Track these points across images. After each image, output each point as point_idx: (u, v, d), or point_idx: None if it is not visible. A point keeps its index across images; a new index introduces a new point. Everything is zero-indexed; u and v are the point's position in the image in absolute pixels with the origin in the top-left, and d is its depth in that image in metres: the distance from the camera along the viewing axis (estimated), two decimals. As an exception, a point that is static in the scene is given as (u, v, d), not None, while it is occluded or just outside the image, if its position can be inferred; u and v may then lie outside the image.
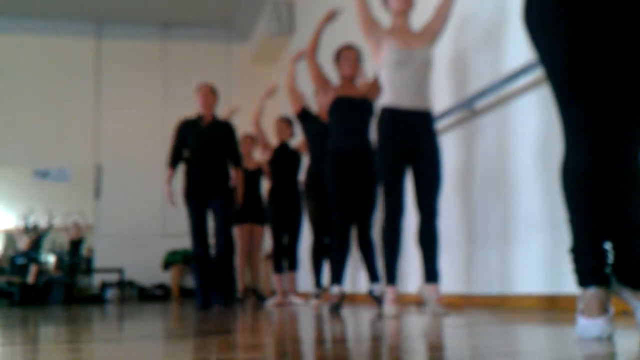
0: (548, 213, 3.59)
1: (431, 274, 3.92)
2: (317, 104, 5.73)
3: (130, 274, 11.31)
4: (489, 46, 4.36)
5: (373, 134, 4.32)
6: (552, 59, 2.04)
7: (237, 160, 6.05)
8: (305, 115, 5.75)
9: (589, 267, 1.98)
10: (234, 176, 6.05)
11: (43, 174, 11.82)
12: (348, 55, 4.89)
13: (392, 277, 3.95)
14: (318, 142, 5.55)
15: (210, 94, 6.01)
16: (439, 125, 4.79)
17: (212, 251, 5.92)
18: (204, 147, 5.87)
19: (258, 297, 8.08)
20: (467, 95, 4.54)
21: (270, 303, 6.66)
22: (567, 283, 3.19)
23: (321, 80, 4.91)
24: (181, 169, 6.02)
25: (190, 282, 11.62)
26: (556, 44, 2.02)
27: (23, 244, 10.77)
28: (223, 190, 5.89)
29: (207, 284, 5.79)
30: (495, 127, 4.24)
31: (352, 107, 4.80)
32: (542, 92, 3.65)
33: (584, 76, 1.98)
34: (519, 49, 3.94)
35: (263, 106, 7.06)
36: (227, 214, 5.87)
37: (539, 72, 3.65)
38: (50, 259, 11.16)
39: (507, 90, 4.07)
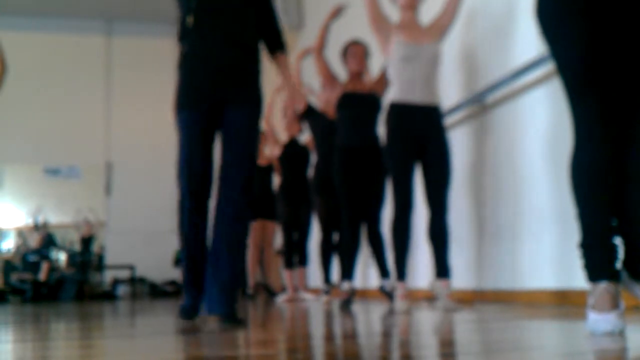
0: (559, 207, 3.58)
1: (442, 269, 3.91)
2: (321, 99, 5.72)
3: (142, 271, 11.35)
4: (499, 40, 4.34)
5: (381, 129, 4.31)
6: (565, 53, 2.03)
7: (277, 40, 3.29)
8: (310, 113, 5.75)
9: (598, 261, 1.97)
10: (283, 71, 3.30)
11: (54, 172, 11.88)
12: (355, 51, 4.88)
13: (402, 272, 3.95)
14: (325, 139, 5.55)
15: None
16: (449, 120, 4.77)
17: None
18: (212, 15, 3.07)
19: (269, 292, 8.10)
20: (477, 90, 4.53)
21: (281, 299, 6.68)
22: (578, 278, 3.18)
23: (329, 77, 4.91)
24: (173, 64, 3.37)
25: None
26: (570, 37, 2.01)
27: (34, 241, 10.83)
28: (247, 94, 3.08)
29: (202, 274, 3.09)
30: (506, 122, 4.23)
31: (359, 103, 4.80)
32: (553, 86, 3.64)
33: (597, 70, 1.97)
34: (528, 42, 3.92)
35: (274, 102, 7.06)
36: (252, 140, 3.05)
37: (549, 66, 3.63)
38: (62, 256, 11.22)
39: (517, 85, 4.05)
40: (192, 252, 3.08)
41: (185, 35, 3.12)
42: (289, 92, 3.36)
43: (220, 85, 3.02)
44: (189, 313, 3.11)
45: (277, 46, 3.29)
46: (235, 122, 3.02)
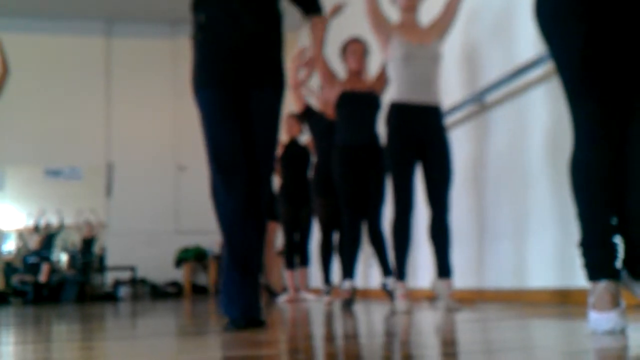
0: (560, 206, 3.58)
1: (444, 269, 3.91)
2: (320, 100, 5.71)
3: (143, 272, 11.35)
4: (499, 39, 4.34)
5: (380, 128, 4.31)
6: (564, 54, 2.03)
7: (313, 1, 3.03)
8: (309, 114, 5.75)
9: (598, 260, 1.97)
10: (316, 35, 3.05)
11: (55, 173, 11.87)
12: (354, 49, 4.87)
13: (402, 272, 3.95)
14: (324, 139, 5.54)
15: None
16: (450, 119, 4.77)
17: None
18: None
19: (270, 293, 8.10)
20: (477, 89, 4.53)
21: (282, 299, 6.68)
22: (580, 277, 3.18)
23: (328, 75, 4.89)
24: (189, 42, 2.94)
25: (202, 278, 11.65)
26: (569, 38, 2.01)
27: (34, 243, 10.83)
28: (273, 76, 2.86)
29: (256, 271, 2.73)
30: (506, 121, 4.23)
31: (358, 102, 4.80)
32: (553, 85, 3.64)
33: (596, 71, 1.97)
34: (529, 41, 3.92)
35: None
36: (276, 126, 2.86)
37: (549, 65, 3.63)
38: (63, 258, 11.22)
39: (517, 84, 4.05)
40: (232, 239, 2.66)
41: (201, 3, 2.83)
42: (313, 55, 2.99)
43: (245, 66, 2.76)
44: (240, 321, 2.62)
45: (312, 8, 2.98)
46: (259, 107, 2.78)
